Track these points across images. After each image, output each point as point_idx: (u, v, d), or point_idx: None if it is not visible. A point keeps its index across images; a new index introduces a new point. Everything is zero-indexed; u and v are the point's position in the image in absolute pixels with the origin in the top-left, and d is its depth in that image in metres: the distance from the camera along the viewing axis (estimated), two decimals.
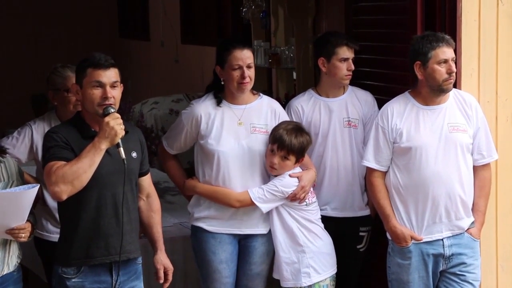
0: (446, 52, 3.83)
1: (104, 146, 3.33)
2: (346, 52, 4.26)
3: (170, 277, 3.73)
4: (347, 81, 4.32)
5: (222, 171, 4.01)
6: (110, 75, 3.43)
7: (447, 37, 3.87)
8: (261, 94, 4.16)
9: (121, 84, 3.52)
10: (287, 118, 4.17)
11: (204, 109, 4.05)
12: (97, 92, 3.41)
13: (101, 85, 3.41)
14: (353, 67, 4.27)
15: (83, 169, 3.30)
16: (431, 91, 3.90)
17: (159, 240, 3.74)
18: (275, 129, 4.02)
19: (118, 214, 3.46)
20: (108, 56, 3.47)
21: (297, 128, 4.03)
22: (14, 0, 10.29)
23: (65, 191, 3.30)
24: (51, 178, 3.30)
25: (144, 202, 3.72)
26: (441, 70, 3.84)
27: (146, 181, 3.71)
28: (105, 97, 3.40)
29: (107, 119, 3.35)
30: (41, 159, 3.48)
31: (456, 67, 3.92)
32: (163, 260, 3.72)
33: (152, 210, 3.74)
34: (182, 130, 4.10)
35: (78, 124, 3.47)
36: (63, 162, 3.32)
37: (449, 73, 3.83)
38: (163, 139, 4.24)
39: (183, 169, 4.27)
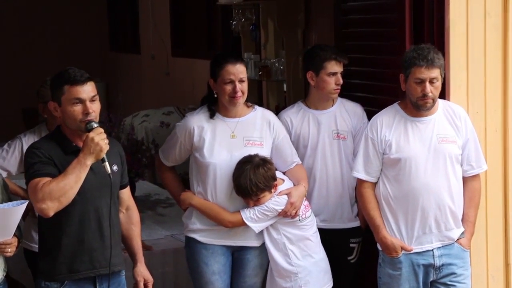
0: (423, 72, 3.81)
1: (89, 162, 3.33)
2: (334, 67, 4.27)
3: None
4: (336, 95, 4.33)
5: (214, 183, 4.01)
6: (88, 90, 3.41)
7: (433, 56, 3.82)
8: (255, 106, 4.16)
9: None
10: (282, 129, 4.17)
11: (197, 121, 4.05)
12: (78, 108, 3.39)
13: (81, 101, 3.39)
14: (341, 81, 4.29)
15: (70, 185, 3.30)
16: (412, 105, 3.92)
17: (139, 252, 3.74)
18: (233, 180, 3.97)
19: (102, 228, 3.47)
20: (82, 70, 3.44)
21: (253, 167, 3.93)
22: (3, 14, 10.29)
23: (52, 208, 3.30)
24: (38, 195, 3.29)
25: (124, 215, 3.72)
26: (417, 88, 3.84)
27: (126, 194, 3.72)
28: (86, 112, 3.39)
29: (91, 134, 3.33)
30: (24, 174, 3.45)
31: (444, 79, 3.94)
32: (143, 272, 3.72)
33: (132, 222, 3.74)
34: (176, 142, 4.11)
35: (59, 139, 3.45)
36: (48, 179, 3.31)
37: (423, 93, 3.83)
38: (160, 151, 4.25)
39: (180, 181, 4.27)
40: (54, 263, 3.43)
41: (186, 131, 4.05)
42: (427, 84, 3.82)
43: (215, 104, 4.08)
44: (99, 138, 3.33)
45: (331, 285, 4.15)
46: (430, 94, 3.84)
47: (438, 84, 3.86)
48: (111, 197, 3.47)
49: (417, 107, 3.90)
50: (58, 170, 3.36)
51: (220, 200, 4.02)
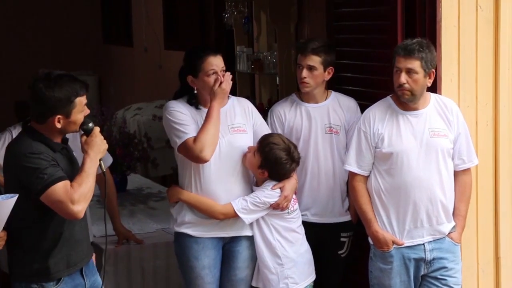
0: (400, 61, 3.82)
1: (98, 160, 3.44)
2: (300, 59, 4.28)
3: (94, 262, 3.74)
4: (304, 89, 4.30)
5: (203, 169, 3.97)
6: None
7: (414, 47, 3.80)
8: (229, 95, 4.13)
9: None
10: (259, 115, 4.16)
11: (183, 109, 4.01)
12: (83, 114, 3.46)
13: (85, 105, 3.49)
14: (302, 76, 4.25)
15: (93, 185, 3.38)
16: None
17: None
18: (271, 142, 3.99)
19: (83, 217, 3.48)
20: (75, 77, 3.45)
21: (292, 158, 4.01)
22: None
23: (84, 209, 3.36)
24: (74, 197, 3.28)
25: None
26: (396, 77, 3.85)
27: None
28: (86, 115, 3.47)
29: (99, 135, 3.45)
30: (27, 182, 3.34)
31: (436, 73, 3.94)
32: None
33: None
34: (184, 116, 3.96)
35: (42, 139, 3.41)
36: (68, 181, 3.33)
37: (398, 83, 3.83)
38: (183, 139, 3.92)
39: None
40: (52, 263, 3.43)
41: (179, 108, 3.98)
42: (403, 73, 3.82)
43: (194, 99, 4.03)
44: (102, 136, 3.46)
45: (314, 277, 4.15)
46: (406, 85, 3.83)
47: (417, 77, 3.83)
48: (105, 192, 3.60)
49: (399, 97, 3.90)
50: (62, 170, 3.38)
51: (213, 186, 3.97)
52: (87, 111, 3.47)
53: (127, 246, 4.64)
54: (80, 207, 3.31)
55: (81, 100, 3.42)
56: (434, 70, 3.89)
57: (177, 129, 3.95)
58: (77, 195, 3.29)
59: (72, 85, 3.39)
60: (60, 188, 3.29)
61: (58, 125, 3.40)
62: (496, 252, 4.36)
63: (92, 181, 3.36)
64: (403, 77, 3.82)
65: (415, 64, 3.81)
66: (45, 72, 3.43)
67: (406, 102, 3.90)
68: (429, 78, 3.88)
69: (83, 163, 3.39)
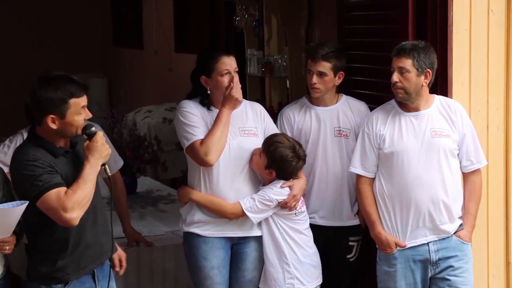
0: (394, 61, 3.90)
1: (99, 165, 3.39)
2: (310, 64, 4.27)
3: (124, 263, 3.75)
4: (315, 95, 4.30)
5: (213, 171, 3.98)
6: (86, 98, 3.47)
7: (406, 47, 3.87)
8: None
9: None
10: (270, 119, 4.18)
11: (196, 110, 4.02)
12: (82, 116, 3.42)
13: (83, 108, 3.43)
14: (313, 82, 4.24)
15: (90, 191, 3.34)
16: None
17: None
18: (277, 141, 4.00)
19: (96, 220, 3.50)
20: (73, 78, 3.43)
21: (297, 155, 4.01)
22: (6, 8, 10.29)
23: (79, 216, 3.32)
24: (66, 205, 3.26)
25: None
26: (391, 78, 3.91)
27: None
28: (87, 118, 3.44)
29: (100, 140, 3.39)
30: (23, 189, 3.34)
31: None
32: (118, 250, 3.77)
33: None
34: (195, 117, 3.98)
35: (43, 144, 3.40)
36: (64, 188, 3.31)
37: (392, 82, 3.89)
38: (191, 141, 3.95)
39: None
40: (59, 267, 3.43)
41: (191, 109, 4.00)
42: (395, 72, 3.88)
43: (206, 100, 4.05)
44: (104, 141, 3.41)
45: (321, 281, 4.15)
46: (398, 84, 3.87)
47: (409, 75, 3.87)
48: (110, 198, 3.58)
49: (396, 97, 3.93)
50: (61, 176, 3.36)
51: (221, 187, 3.99)
52: (89, 115, 3.43)
53: (137, 248, 4.65)
54: (74, 215, 3.28)
55: (77, 102, 3.37)
56: (429, 70, 3.89)
57: (186, 131, 3.98)
58: (70, 202, 3.27)
59: (67, 86, 3.36)
60: (53, 195, 3.27)
61: (53, 126, 3.36)
62: (507, 256, 4.35)
63: (90, 187, 3.32)
64: (395, 76, 3.88)
65: (406, 63, 3.86)
66: (46, 74, 3.42)
67: (402, 101, 3.93)
68: (425, 78, 3.89)
69: (82, 169, 3.36)
